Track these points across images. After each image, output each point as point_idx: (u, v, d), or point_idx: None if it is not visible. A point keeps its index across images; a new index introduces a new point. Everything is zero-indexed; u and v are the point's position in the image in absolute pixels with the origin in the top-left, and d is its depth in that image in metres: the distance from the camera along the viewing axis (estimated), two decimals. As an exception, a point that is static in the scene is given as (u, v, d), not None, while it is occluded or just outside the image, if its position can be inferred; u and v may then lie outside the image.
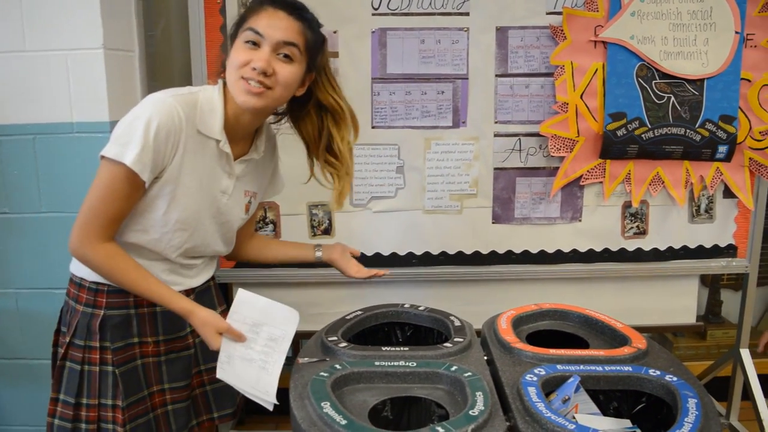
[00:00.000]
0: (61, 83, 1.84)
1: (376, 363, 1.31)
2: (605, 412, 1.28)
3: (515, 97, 2.06)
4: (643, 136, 2.01)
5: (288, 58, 1.26)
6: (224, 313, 1.34)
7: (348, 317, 1.57)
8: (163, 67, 2.28)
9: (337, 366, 1.29)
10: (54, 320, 1.48)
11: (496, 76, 2.05)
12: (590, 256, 2.18)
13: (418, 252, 2.15)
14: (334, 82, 1.40)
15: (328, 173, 1.45)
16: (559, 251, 2.17)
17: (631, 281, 2.23)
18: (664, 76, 2.01)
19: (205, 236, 1.39)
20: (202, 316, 1.30)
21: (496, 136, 2.08)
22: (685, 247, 2.20)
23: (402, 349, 1.38)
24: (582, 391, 1.23)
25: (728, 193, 2.16)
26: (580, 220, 2.15)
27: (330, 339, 1.41)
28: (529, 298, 1.89)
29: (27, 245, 1.95)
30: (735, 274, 2.61)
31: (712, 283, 2.81)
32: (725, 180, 2.12)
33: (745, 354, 2.28)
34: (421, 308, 1.62)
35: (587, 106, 2.02)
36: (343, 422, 1.07)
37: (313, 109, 1.39)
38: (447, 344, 1.40)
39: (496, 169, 2.10)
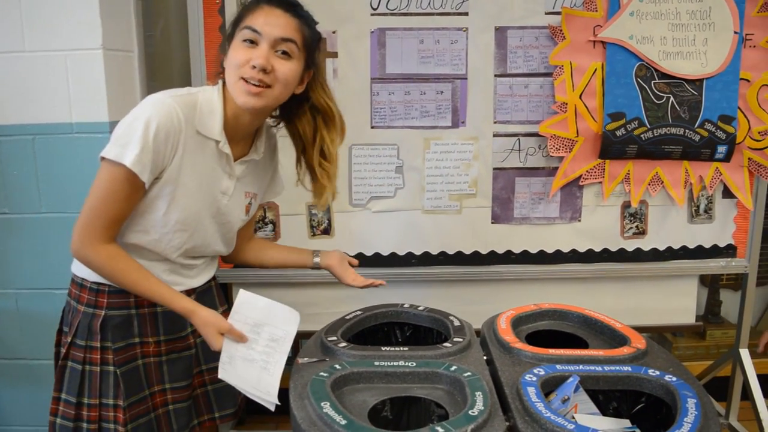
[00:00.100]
0: (60, 83, 1.84)
1: (376, 363, 1.31)
2: (604, 412, 1.28)
3: (514, 97, 2.06)
4: (642, 136, 2.01)
5: (286, 54, 1.27)
6: (225, 313, 1.34)
7: (347, 317, 1.57)
8: (163, 67, 2.28)
9: (337, 366, 1.29)
10: (54, 320, 1.48)
11: (495, 76, 2.05)
12: (589, 256, 2.18)
13: (418, 252, 2.15)
14: (326, 85, 1.41)
15: (309, 177, 1.45)
16: (558, 251, 2.17)
17: (630, 281, 2.23)
18: (663, 76, 2.01)
19: (205, 237, 1.39)
20: (203, 316, 1.30)
21: (495, 136, 2.08)
22: (684, 247, 2.20)
23: (401, 349, 1.38)
24: (581, 391, 1.23)
25: (727, 193, 2.16)
26: (579, 220, 2.15)
27: (329, 339, 1.41)
28: (529, 298, 1.89)
29: (27, 245, 1.95)
30: (734, 274, 2.61)
31: (711, 283, 2.81)
32: (724, 180, 2.12)
33: (744, 354, 2.28)
34: (420, 308, 1.62)
35: (586, 106, 2.02)
36: (343, 422, 1.07)
37: (308, 110, 1.39)
38: (446, 344, 1.41)
39: (495, 169, 2.10)
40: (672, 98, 2.01)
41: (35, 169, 1.90)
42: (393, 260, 2.14)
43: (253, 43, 1.25)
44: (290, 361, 1.31)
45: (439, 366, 1.29)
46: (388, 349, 1.38)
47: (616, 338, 1.49)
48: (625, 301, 2.23)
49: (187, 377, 1.45)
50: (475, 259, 2.16)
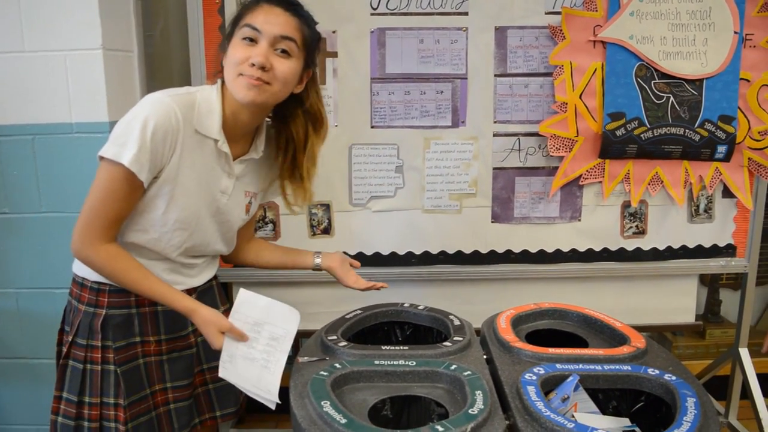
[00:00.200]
0: (60, 84, 1.85)
1: (376, 362, 1.31)
2: (604, 411, 1.28)
3: (514, 97, 2.06)
4: (642, 135, 2.01)
5: (285, 53, 1.27)
6: (227, 313, 1.34)
7: (348, 316, 1.58)
8: (162, 67, 2.28)
9: (337, 365, 1.29)
10: (54, 320, 1.48)
11: (495, 75, 2.05)
12: (589, 256, 2.18)
13: (418, 251, 2.15)
14: (320, 91, 1.41)
15: (293, 180, 1.46)
16: (558, 251, 2.17)
17: (630, 281, 2.23)
18: (663, 76, 2.01)
19: (205, 236, 1.40)
20: (204, 315, 1.30)
21: (495, 135, 2.08)
22: (684, 247, 2.20)
23: (401, 348, 1.38)
24: (581, 390, 1.23)
25: (727, 193, 2.16)
26: (579, 220, 2.16)
27: (330, 338, 1.41)
28: (529, 297, 1.89)
29: (27, 245, 1.95)
30: (734, 273, 2.61)
31: (711, 283, 2.82)
32: (724, 180, 2.12)
33: (744, 353, 2.28)
34: (420, 307, 1.62)
35: (586, 106, 2.02)
36: (343, 421, 1.08)
37: (301, 114, 1.39)
38: (446, 343, 1.41)
39: (495, 168, 2.10)
40: (672, 98, 2.02)
41: (35, 169, 1.90)
42: (393, 260, 2.14)
43: (252, 41, 1.25)
44: (290, 360, 1.32)
45: (439, 365, 1.30)
46: (388, 348, 1.38)
47: (615, 337, 1.49)
48: (624, 300, 2.23)
49: (188, 376, 1.46)
50: (475, 258, 2.16)
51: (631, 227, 2.17)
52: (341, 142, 2.05)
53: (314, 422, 1.11)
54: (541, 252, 2.17)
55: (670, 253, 2.20)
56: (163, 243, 1.34)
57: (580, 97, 2.02)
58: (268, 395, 1.27)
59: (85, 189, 1.26)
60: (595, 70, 2.01)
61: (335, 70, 2.02)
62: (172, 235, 1.34)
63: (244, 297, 1.32)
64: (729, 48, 2.00)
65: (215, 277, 1.56)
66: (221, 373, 1.29)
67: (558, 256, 2.17)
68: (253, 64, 1.23)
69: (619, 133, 2.01)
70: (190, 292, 1.44)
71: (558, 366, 1.30)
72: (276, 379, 1.28)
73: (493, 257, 2.16)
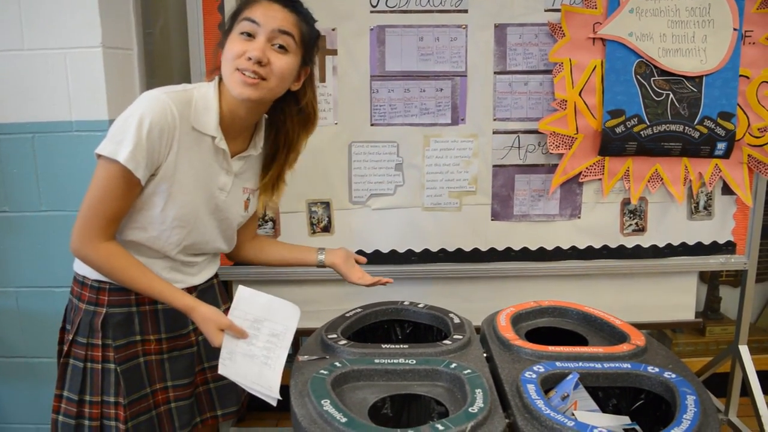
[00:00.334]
0: (59, 82, 1.84)
1: (376, 360, 1.31)
2: (604, 409, 1.29)
3: (514, 95, 2.06)
4: (641, 133, 2.01)
5: (283, 49, 1.27)
6: (228, 311, 1.34)
7: (348, 315, 1.58)
8: (162, 65, 2.28)
9: (337, 364, 1.29)
10: (54, 318, 1.48)
11: (495, 73, 2.05)
12: (589, 253, 2.18)
13: (418, 249, 2.15)
14: (316, 90, 1.41)
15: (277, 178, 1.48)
16: (558, 248, 2.17)
17: (630, 278, 2.23)
18: (663, 73, 2.01)
19: (204, 233, 1.40)
20: (203, 313, 1.30)
21: (494, 133, 2.08)
22: (683, 244, 2.20)
23: (401, 346, 1.38)
24: (581, 388, 1.23)
25: (727, 190, 2.16)
26: (579, 217, 2.16)
27: (330, 337, 1.42)
28: (528, 295, 1.91)
29: (27, 244, 1.95)
30: (734, 270, 2.62)
31: (710, 280, 2.82)
32: (724, 177, 2.12)
33: (743, 350, 2.29)
34: (420, 306, 1.63)
35: (586, 104, 2.02)
36: (343, 420, 1.08)
37: (296, 113, 1.40)
38: (446, 341, 1.41)
39: (495, 166, 2.10)
40: (671, 95, 2.01)
41: (35, 167, 1.90)
42: (393, 257, 2.14)
43: (250, 36, 1.25)
44: (290, 358, 1.32)
45: (439, 363, 1.30)
46: (388, 346, 1.38)
47: (615, 335, 1.49)
48: (624, 297, 2.24)
49: (188, 375, 1.46)
50: (475, 256, 2.16)
51: (630, 224, 2.17)
52: (341, 139, 2.05)
53: (314, 421, 1.11)
54: (541, 249, 2.17)
55: (669, 251, 2.20)
56: (162, 241, 1.34)
57: (580, 94, 2.02)
58: (269, 392, 1.27)
59: (85, 187, 1.26)
60: (595, 67, 2.01)
61: (335, 68, 2.02)
62: (171, 233, 1.34)
63: (243, 294, 1.33)
64: (728, 45, 2.00)
65: (216, 276, 1.56)
66: (221, 370, 1.30)
67: (558, 254, 2.17)
68: (250, 58, 1.23)
69: (618, 130, 2.01)
70: (190, 290, 1.44)
71: (558, 364, 1.31)
72: (277, 376, 1.28)
73: (492, 255, 2.16)
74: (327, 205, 2.10)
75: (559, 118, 2.03)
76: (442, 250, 2.16)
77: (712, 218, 2.19)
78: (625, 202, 2.16)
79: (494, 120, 2.07)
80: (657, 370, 1.28)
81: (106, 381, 1.35)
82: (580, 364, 1.30)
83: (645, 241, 2.19)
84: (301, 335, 1.94)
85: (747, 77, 2.04)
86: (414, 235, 2.14)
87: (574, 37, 1.99)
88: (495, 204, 2.13)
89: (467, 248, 2.16)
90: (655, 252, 2.19)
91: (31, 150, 1.89)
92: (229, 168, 1.38)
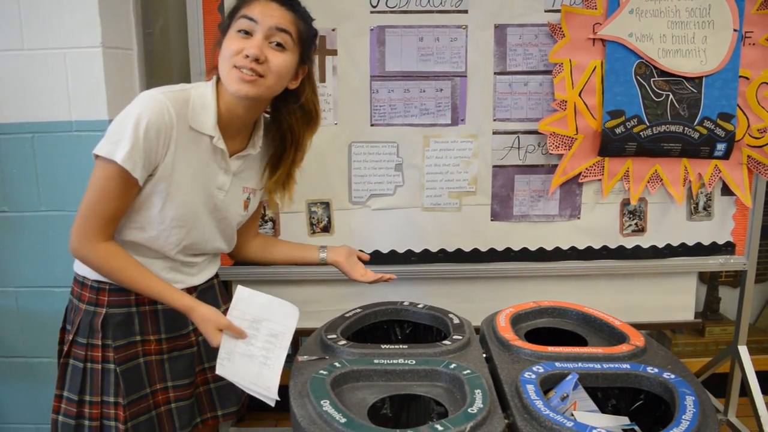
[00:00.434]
0: (59, 82, 1.84)
1: (376, 361, 1.31)
2: (603, 410, 1.29)
3: (514, 95, 2.06)
4: (641, 133, 2.01)
5: (280, 46, 1.27)
6: (227, 311, 1.34)
7: (347, 315, 1.58)
8: (162, 65, 2.28)
9: (337, 364, 1.29)
10: (54, 318, 1.48)
11: (495, 73, 2.05)
12: (589, 254, 2.18)
13: (417, 249, 2.15)
14: (316, 87, 1.41)
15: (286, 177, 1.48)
16: (557, 248, 2.17)
17: (629, 278, 2.23)
18: (663, 73, 2.01)
19: (203, 233, 1.40)
20: (202, 313, 1.30)
21: (494, 133, 2.08)
22: (683, 245, 2.20)
23: (401, 347, 1.38)
24: (580, 388, 1.23)
25: (726, 191, 2.16)
26: (578, 218, 2.16)
27: (329, 337, 1.42)
28: (528, 295, 1.91)
29: (26, 244, 1.95)
30: (733, 271, 2.62)
31: (710, 280, 2.82)
32: (723, 177, 2.12)
33: (743, 351, 2.29)
34: (420, 306, 1.63)
35: (586, 104, 2.02)
36: (343, 420, 1.08)
37: (299, 112, 1.39)
38: (446, 342, 1.41)
39: (494, 166, 2.10)
40: (671, 96, 2.01)
41: (35, 167, 1.90)
42: (392, 258, 2.14)
43: (247, 34, 1.26)
44: (290, 358, 1.32)
45: (439, 364, 1.30)
46: (387, 347, 1.38)
47: (614, 336, 1.49)
48: (624, 298, 2.24)
49: (189, 375, 1.46)
50: (475, 256, 2.16)
51: (630, 225, 2.17)
52: (341, 140, 2.05)
53: (314, 421, 1.11)
54: (541, 250, 2.17)
55: (669, 251, 2.20)
56: (161, 241, 1.34)
57: (580, 95, 2.02)
58: (267, 392, 1.27)
59: (85, 187, 1.26)
60: (595, 68, 2.01)
61: (335, 68, 2.02)
62: (170, 233, 1.34)
63: (242, 294, 1.32)
64: (728, 46, 2.00)
65: (216, 276, 1.56)
66: (218, 371, 1.30)
67: (557, 254, 2.17)
68: (248, 56, 1.23)
69: (618, 130, 2.01)
70: (190, 290, 1.44)
71: (557, 364, 1.31)
72: (275, 376, 1.28)
73: (492, 255, 2.16)
74: (327, 205, 2.11)
75: (558, 118, 2.03)
76: (442, 251, 2.16)
77: (712, 219, 2.19)
78: (625, 203, 2.16)
79: (494, 120, 2.07)
80: (656, 370, 1.28)
81: (105, 381, 1.35)
82: (580, 364, 1.31)
83: (644, 241, 2.19)
84: (300, 335, 1.94)
85: (747, 78, 2.04)
86: (414, 235, 2.14)
87: (574, 37, 1.99)
88: (495, 204, 2.13)
89: (467, 248, 2.16)
90: (654, 252, 2.19)
91: (31, 150, 1.89)
92: (227, 167, 1.38)
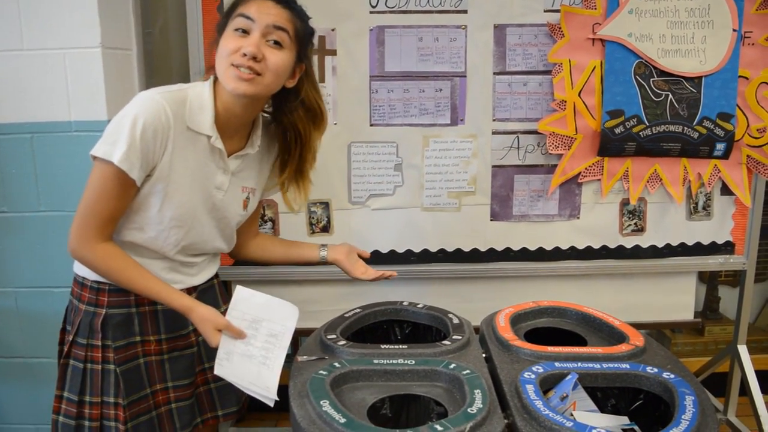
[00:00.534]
0: (58, 82, 1.84)
1: (375, 361, 1.31)
2: (603, 409, 1.29)
3: (513, 95, 2.06)
4: (640, 133, 2.01)
5: (278, 44, 1.27)
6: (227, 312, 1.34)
7: (347, 315, 1.58)
8: (161, 65, 2.28)
9: (336, 364, 1.29)
10: (53, 319, 1.49)
11: (494, 73, 2.05)
12: (588, 253, 2.18)
13: (417, 249, 2.15)
14: (317, 84, 1.41)
15: (296, 177, 1.48)
16: (557, 248, 2.17)
17: (629, 278, 2.23)
18: (662, 73, 2.01)
19: (202, 233, 1.40)
20: (200, 313, 1.30)
21: (494, 133, 2.08)
22: (683, 244, 2.20)
23: (401, 347, 1.38)
24: (580, 388, 1.23)
25: (726, 191, 2.16)
26: (578, 218, 2.16)
27: (329, 337, 1.42)
28: (528, 295, 1.90)
29: (26, 244, 1.95)
30: (732, 270, 2.62)
31: (710, 280, 2.82)
32: (723, 177, 2.12)
33: (742, 350, 2.29)
34: (419, 306, 1.63)
35: (585, 104, 2.02)
36: (342, 420, 1.08)
37: (301, 109, 1.39)
38: (445, 342, 1.41)
39: (494, 166, 2.10)
40: (671, 96, 2.02)
41: (34, 167, 1.90)
42: (392, 258, 2.14)
43: (245, 32, 1.25)
44: (289, 358, 1.32)
45: (438, 364, 1.30)
46: (387, 347, 1.38)
47: (614, 335, 1.49)
48: (623, 297, 2.24)
49: (189, 375, 1.46)
50: (474, 256, 2.16)
51: (629, 225, 2.18)
52: (340, 140, 2.05)
53: (313, 422, 1.11)
54: (540, 250, 2.17)
55: (668, 251, 2.20)
56: (160, 241, 1.34)
57: (579, 95, 2.02)
58: (266, 392, 1.27)
59: (84, 188, 1.26)
60: (594, 68, 2.01)
61: (334, 68, 2.02)
62: (169, 233, 1.34)
63: (241, 294, 1.32)
64: (728, 45, 2.00)
65: (216, 276, 1.56)
66: (216, 371, 1.29)
67: (557, 254, 2.17)
68: (245, 54, 1.23)
69: (617, 130, 2.01)
70: (190, 291, 1.44)
71: (557, 364, 1.31)
72: (275, 376, 1.28)
73: (492, 255, 2.16)
74: (326, 205, 2.11)
75: (558, 118, 2.03)
76: (441, 251, 2.16)
77: (711, 218, 2.19)
78: (624, 203, 2.16)
79: (493, 120, 2.07)
80: (656, 370, 1.28)
81: (105, 382, 1.35)
82: (579, 364, 1.31)
83: (644, 241, 2.19)
84: (300, 335, 1.94)
85: (746, 78, 2.04)
86: (413, 235, 2.14)
87: (574, 37, 2.00)
88: (494, 204, 2.13)
89: (466, 248, 2.16)
90: (654, 252, 2.19)
91: (30, 150, 1.89)
92: (225, 167, 1.38)
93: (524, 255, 2.17)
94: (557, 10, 1.99)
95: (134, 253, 1.34)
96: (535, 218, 2.15)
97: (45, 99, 1.86)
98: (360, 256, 1.63)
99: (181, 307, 1.31)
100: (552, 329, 1.58)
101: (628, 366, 1.30)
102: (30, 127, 1.88)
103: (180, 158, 1.29)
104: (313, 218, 2.11)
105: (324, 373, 1.25)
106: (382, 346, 1.38)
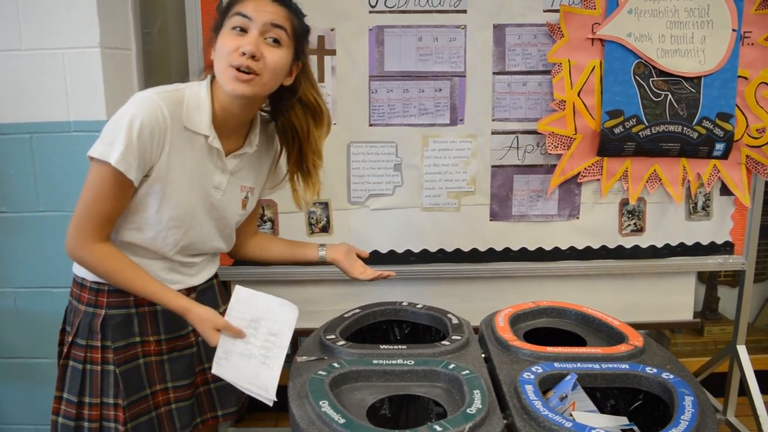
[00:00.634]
0: (57, 82, 1.84)
1: (374, 361, 1.31)
2: (602, 410, 1.29)
3: (513, 95, 2.06)
4: (640, 133, 2.01)
5: (276, 42, 1.27)
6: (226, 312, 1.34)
7: (346, 315, 1.58)
8: (161, 65, 2.28)
9: (336, 365, 1.29)
10: (52, 319, 1.48)
11: (494, 73, 2.05)
12: (588, 254, 2.18)
13: (416, 249, 2.15)
14: (314, 81, 1.40)
15: (301, 174, 1.47)
16: (556, 248, 2.17)
17: (628, 278, 2.23)
18: (662, 73, 2.01)
19: (201, 233, 1.39)
20: (198, 313, 1.30)
21: (493, 133, 2.08)
22: (682, 244, 2.20)
23: (400, 347, 1.38)
24: (579, 388, 1.23)
25: (725, 191, 2.16)
26: (577, 218, 2.16)
27: (328, 337, 1.42)
28: (527, 295, 1.90)
29: (25, 244, 1.95)
30: (732, 270, 2.62)
31: (709, 280, 2.82)
32: (722, 177, 2.12)
33: (741, 350, 2.29)
34: (418, 306, 1.63)
35: (584, 104, 2.02)
36: (342, 421, 1.08)
37: (299, 107, 1.39)
38: (445, 342, 1.41)
39: (493, 166, 2.10)
40: (670, 96, 2.02)
41: (33, 167, 1.90)
42: (391, 258, 2.14)
43: (242, 30, 1.25)
44: (289, 358, 1.32)
45: (438, 364, 1.30)
46: (386, 347, 1.38)
47: (613, 336, 1.49)
48: (623, 298, 2.24)
49: (188, 376, 1.46)
50: (474, 256, 2.16)
51: (629, 225, 2.17)
52: (340, 140, 2.05)
53: (312, 422, 1.11)
54: (540, 250, 2.17)
55: (668, 251, 2.20)
56: (159, 242, 1.34)
57: (579, 95, 2.02)
58: (265, 392, 1.27)
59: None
60: (594, 67, 2.01)
61: (334, 68, 2.01)
62: (168, 234, 1.33)
63: (240, 294, 1.32)
64: (727, 45, 2.00)
65: (216, 276, 1.56)
66: (214, 370, 1.29)
67: (556, 254, 2.17)
68: (244, 53, 1.23)
69: (617, 130, 2.01)
70: (189, 291, 1.44)
71: (556, 365, 1.31)
72: (275, 375, 1.28)
73: (491, 255, 2.16)
74: (325, 205, 2.10)
75: (557, 118, 2.03)
76: (441, 251, 2.16)
77: (711, 219, 2.19)
78: (624, 203, 2.16)
79: (493, 120, 2.07)
80: (655, 370, 1.28)
81: (105, 382, 1.35)
82: (579, 364, 1.31)
83: (643, 241, 2.19)
84: (299, 335, 1.94)
85: (745, 78, 2.04)
86: (412, 235, 2.14)
87: (573, 37, 1.99)
88: (493, 204, 2.13)
89: (466, 248, 2.16)
90: (653, 252, 2.19)
91: (29, 150, 1.89)
92: (224, 166, 1.37)
93: (523, 255, 2.17)
94: (556, 10, 1.99)
95: (133, 253, 1.34)
96: (534, 218, 2.15)
97: (44, 99, 1.85)
98: (359, 256, 1.62)
99: (178, 308, 1.31)
100: (551, 329, 1.58)
101: (627, 366, 1.30)
102: (29, 128, 1.88)
103: (177, 158, 1.29)
104: (312, 218, 2.11)
105: (323, 373, 1.25)
106: (382, 347, 1.38)
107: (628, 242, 2.19)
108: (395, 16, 2.00)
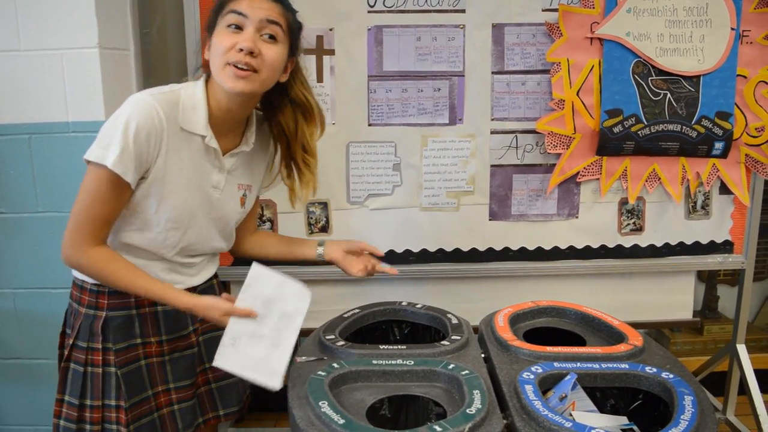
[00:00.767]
0: (56, 83, 1.84)
1: (374, 362, 1.31)
2: (602, 410, 1.29)
3: (512, 94, 2.06)
4: (639, 132, 2.01)
5: (273, 38, 1.26)
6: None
7: (346, 315, 1.58)
8: (159, 65, 2.28)
9: (335, 365, 1.29)
10: (52, 320, 1.48)
11: (493, 73, 2.05)
12: (587, 253, 2.18)
13: (415, 249, 2.15)
14: (304, 78, 1.40)
15: (295, 172, 1.46)
16: (555, 248, 2.17)
17: (628, 277, 2.23)
18: (660, 72, 2.01)
19: (200, 233, 1.39)
20: (204, 304, 1.27)
21: (492, 133, 2.08)
22: (681, 243, 2.20)
23: (399, 347, 1.38)
24: (579, 388, 1.23)
25: (724, 190, 2.16)
26: (576, 217, 2.16)
27: (328, 338, 1.42)
28: (526, 295, 1.90)
29: (24, 245, 1.95)
30: (731, 269, 2.62)
31: (708, 279, 2.82)
32: (721, 176, 2.13)
33: (741, 349, 2.29)
34: (418, 306, 1.62)
35: (583, 103, 2.02)
36: (341, 421, 1.08)
37: (288, 104, 1.38)
38: (444, 342, 1.41)
39: (492, 166, 2.10)
40: (669, 95, 2.02)
41: (32, 168, 1.90)
42: (391, 258, 2.14)
43: (238, 28, 1.25)
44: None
45: (437, 364, 1.30)
46: (386, 347, 1.38)
47: (613, 335, 1.49)
48: (622, 297, 2.24)
49: (190, 376, 1.45)
50: (473, 256, 2.16)
51: (628, 224, 2.17)
52: (339, 139, 2.05)
53: (312, 423, 1.11)
54: (539, 249, 2.17)
55: (667, 250, 2.20)
56: (158, 243, 1.33)
57: (578, 94, 2.02)
58: (270, 379, 1.23)
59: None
60: (593, 67, 2.01)
61: (332, 68, 2.01)
62: (167, 235, 1.33)
63: (256, 272, 1.29)
64: (726, 44, 2.00)
65: (216, 276, 1.56)
66: (216, 362, 1.24)
67: (555, 254, 2.17)
68: (241, 50, 1.22)
69: (616, 130, 2.01)
70: (190, 291, 1.43)
71: (556, 364, 1.31)
72: (285, 357, 1.24)
73: (490, 255, 2.16)
74: (325, 205, 2.10)
75: (556, 117, 2.03)
76: (440, 250, 2.16)
77: (710, 218, 2.19)
78: (623, 202, 2.16)
79: (492, 120, 2.07)
80: (655, 370, 1.28)
81: (106, 385, 1.35)
82: (578, 364, 1.31)
83: (643, 240, 2.19)
84: (299, 336, 1.93)
85: (744, 77, 2.04)
86: (412, 235, 2.14)
87: (572, 36, 1.99)
88: (493, 204, 2.13)
89: (465, 248, 2.16)
90: (652, 251, 2.19)
91: (28, 151, 1.89)
92: (221, 166, 1.37)
93: (523, 255, 2.17)
94: (555, 9, 1.99)
95: (133, 254, 1.33)
96: (533, 218, 2.15)
97: (42, 100, 1.85)
98: (373, 255, 1.58)
99: (182, 305, 1.29)
100: (551, 329, 1.58)
101: (627, 366, 1.30)
102: (27, 128, 1.88)
103: (174, 159, 1.29)
104: (311, 218, 2.11)
105: (323, 373, 1.25)
106: (381, 347, 1.38)
107: (628, 241, 2.19)
108: (394, 16, 1.99)
